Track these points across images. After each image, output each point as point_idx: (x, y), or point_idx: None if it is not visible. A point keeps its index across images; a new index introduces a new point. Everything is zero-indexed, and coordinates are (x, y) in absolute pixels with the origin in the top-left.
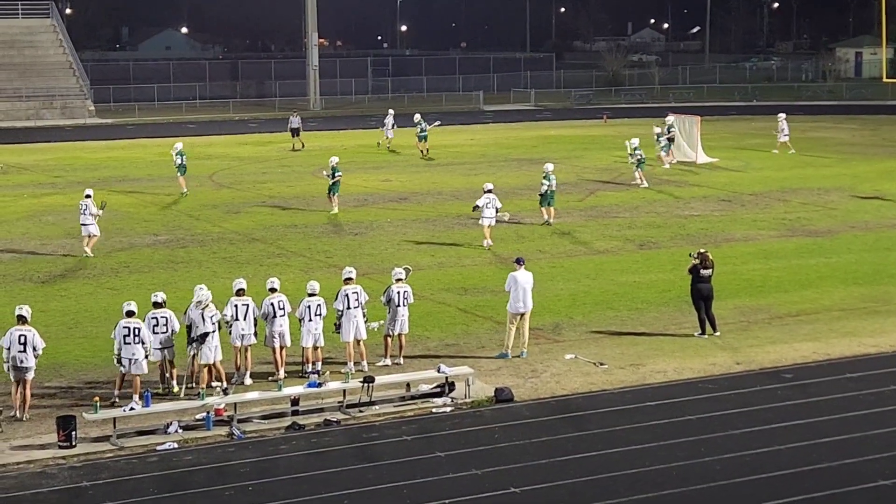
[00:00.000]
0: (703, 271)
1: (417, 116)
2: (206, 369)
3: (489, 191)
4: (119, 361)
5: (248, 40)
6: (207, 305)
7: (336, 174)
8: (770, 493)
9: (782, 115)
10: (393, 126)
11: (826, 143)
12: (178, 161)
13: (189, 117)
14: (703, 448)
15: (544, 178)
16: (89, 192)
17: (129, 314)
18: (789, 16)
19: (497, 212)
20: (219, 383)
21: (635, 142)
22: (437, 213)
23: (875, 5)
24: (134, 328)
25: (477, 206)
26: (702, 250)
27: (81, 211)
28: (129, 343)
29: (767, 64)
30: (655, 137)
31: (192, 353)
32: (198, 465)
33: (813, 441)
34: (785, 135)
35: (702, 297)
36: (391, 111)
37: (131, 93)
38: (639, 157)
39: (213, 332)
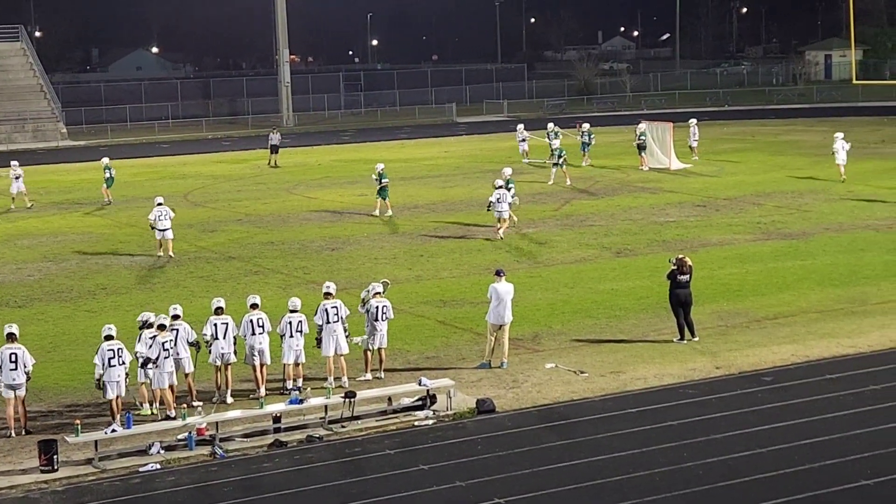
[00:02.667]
0: (680, 277)
1: None
2: (164, 392)
3: (500, 187)
4: (100, 386)
5: (219, 58)
6: (148, 326)
7: (383, 179)
8: (753, 496)
9: (693, 121)
10: None
11: (798, 146)
12: (108, 174)
13: (162, 137)
14: (686, 453)
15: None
16: (160, 199)
17: (109, 338)
18: (758, 20)
19: (511, 199)
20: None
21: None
22: (413, 226)
23: (843, 7)
24: (117, 349)
25: (491, 203)
26: (680, 256)
27: (161, 217)
28: (115, 366)
29: (738, 69)
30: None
31: (143, 379)
32: (181, 485)
33: (794, 443)
34: (695, 140)
35: (680, 302)
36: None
37: (103, 114)
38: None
39: (162, 357)
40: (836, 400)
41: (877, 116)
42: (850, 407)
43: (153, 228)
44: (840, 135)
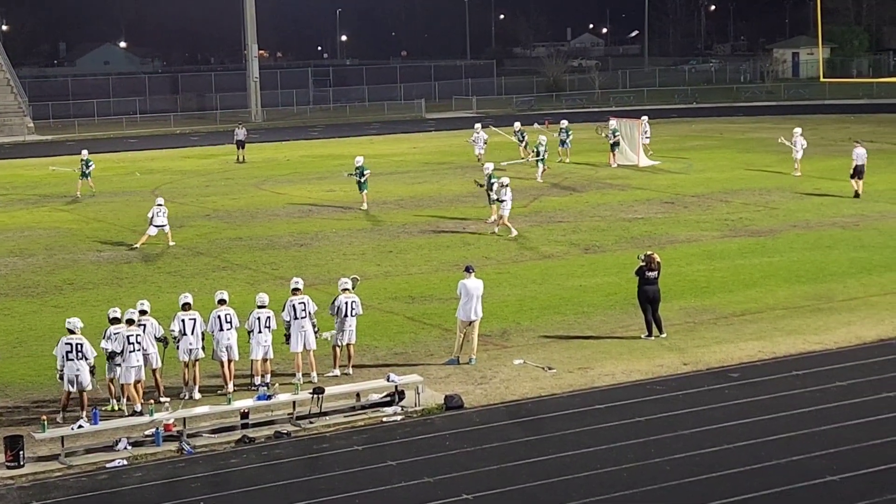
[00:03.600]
0: (648, 273)
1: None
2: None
3: (507, 185)
4: (62, 378)
5: (188, 53)
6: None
7: (365, 172)
8: (720, 491)
9: (645, 118)
10: None
11: (766, 143)
12: (87, 168)
13: (130, 132)
14: (653, 449)
15: (487, 177)
16: (160, 200)
17: (70, 332)
18: (726, 18)
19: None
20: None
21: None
22: (381, 222)
23: (811, 5)
24: (76, 344)
25: (503, 199)
26: (648, 252)
27: (158, 214)
28: (72, 360)
29: (706, 66)
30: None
31: (110, 375)
32: (148, 481)
33: (761, 439)
34: (646, 137)
35: (648, 298)
36: None
37: (70, 109)
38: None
39: (126, 352)
40: (802, 396)
41: (844, 114)
42: (817, 403)
43: (150, 224)
44: (798, 130)
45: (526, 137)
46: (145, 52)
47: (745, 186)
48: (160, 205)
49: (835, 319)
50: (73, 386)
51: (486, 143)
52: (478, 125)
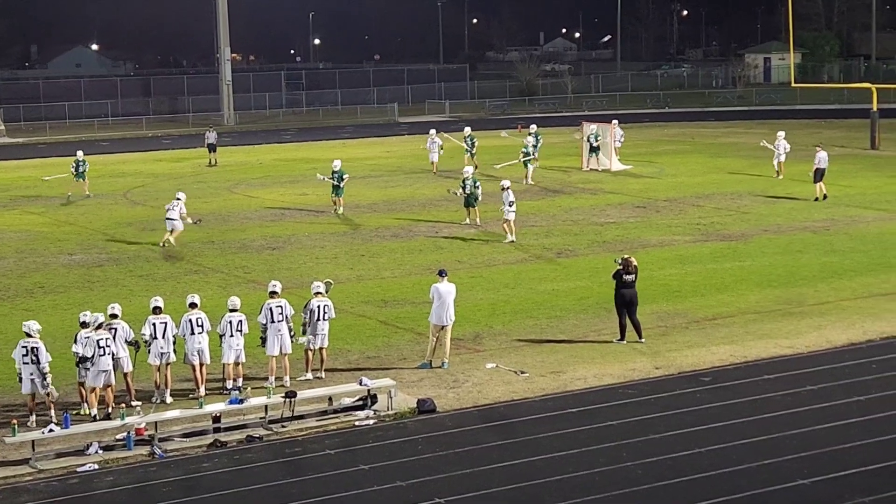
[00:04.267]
0: (625, 277)
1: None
2: (97, 392)
3: (507, 188)
4: (21, 381)
5: (160, 56)
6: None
7: (344, 176)
8: (692, 495)
9: (615, 121)
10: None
11: (738, 148)
12: (81, 168)
13: (101, 135)
14: (625, 453)
15: (463, 181)
16: (181, 195)
17: (28, 335)
18: (698, 23)
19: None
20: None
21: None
22: (354, 225)
23: (782, 11)
24: (32, 348)
25: (512, 202)
26: (625, 256)
27: (171, 208)
28: (27, 364)
29: (678, 71)
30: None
31: (80, 379)
32: (119, 485)
33: (732, 443)
34: (617, 141)
35: (625, 302)
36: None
37: (42, 111)
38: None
39: (97, 356)
40: (773, 400)
41: (815, 119)
42: (788, 407)
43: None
44: (782, 133)
45: (476, 144)
46: (117, 55)
47: (716, 191)
48: (178, 199)
49: (805, 323)
50: (33, 389)
51: (441, 148)
52: (432, 131)
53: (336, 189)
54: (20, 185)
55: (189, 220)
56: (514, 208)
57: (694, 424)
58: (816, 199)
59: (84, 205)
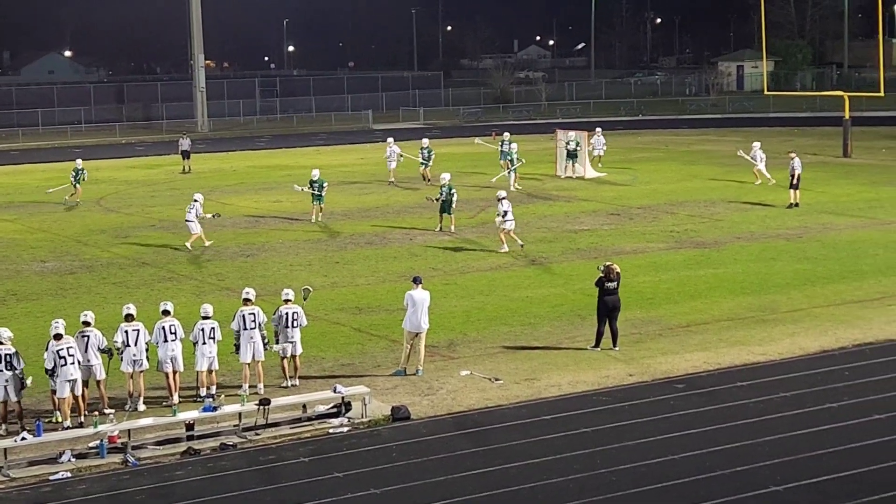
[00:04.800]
0: (608, 284)
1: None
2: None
3: (504, 198)
4: None
5: (133, 63)
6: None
7: (324, 185)
8: (666, 502)
9: (599, 129)
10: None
11: (711, 155)
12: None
13: (74, 142)
14: (599, 460)
15: (440, 188)
16: (198, 196)
17: None
18: (672, 31)
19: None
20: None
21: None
22: (328, 232)
23: (755, 19)
24: (5, 354)
25: (506, 212)
26: (607, 263)
27: (189, 209)
28: (1, 371)
29: (652, 79)
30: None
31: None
32: (92, 493)
33: (706, 449)
34: (597, 149)
35: (608, 309)
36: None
37: (14, 118)
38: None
39: (59, 366)
40: (746, 407)
41: (788, 127)
42: (760, 414)
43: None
44: (757, 144)
45: (432, 156)
46: (90, 62)
47: (690, 198)
48: (196, 200)
49: (779, 330)
50: (5, 397)
51: (401, 156)
52: (390, 139)
53: (317, 198)
54: None
55: (208, 217)
56: (508, 218)
57: (668, 431)
58: (791, 206)
59: (57, 211)
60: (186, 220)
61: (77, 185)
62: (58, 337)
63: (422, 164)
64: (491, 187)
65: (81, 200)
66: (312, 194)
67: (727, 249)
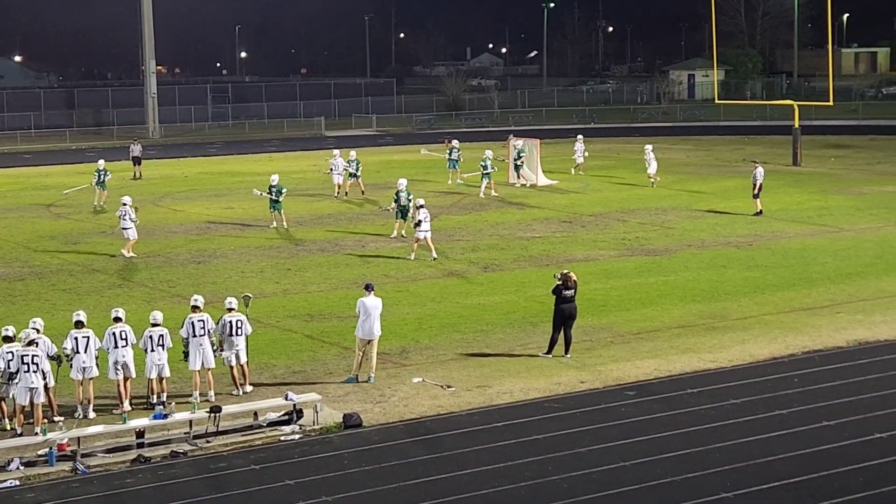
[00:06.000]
0: (565, 292)
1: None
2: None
3: (422, 206)
4: None
5: (84, 68)
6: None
7: (283, 190)
8: None
9: (580, 136)
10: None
11: (662, 163)
12: (102, 177)
13: (24, 147)
14: (551, 467)
15: (397, 193)
16: (126, 199)
17: None
18: (624, 39)
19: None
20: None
21: (489, 153)
22: (280, 239)
23: (706, 29)
24: None
25: (420, 222)
26: (564, 271)
27: (121, 215)
28: None
29: (604, 87)
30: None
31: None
32: (41, 501)
33: (657, 456)
34: (578, 155)
35: (564, 317)
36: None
37: None
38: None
39: (22, 372)
40: (697, 414)
41: (738, 135)
42: (711, 421)
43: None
44: (649, 147)
45: (360, 168)
46: (41, 67)
47: (641, 206)
48: (125, 204)
49: (729, 338)
50: None
51: (346, 169)
52: (336, 151)
53: (274, 204)
54: None
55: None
56: (422, 228)
57: (619, 438)
58: (757, 214)
59: (6, 217)
60: (122, 228)
61: (98, 187)
62: (30, 343)
63: (351, 175)
64: (449, 193)
65: (104, 204)
66: (270, 199)
67: (678, 257)
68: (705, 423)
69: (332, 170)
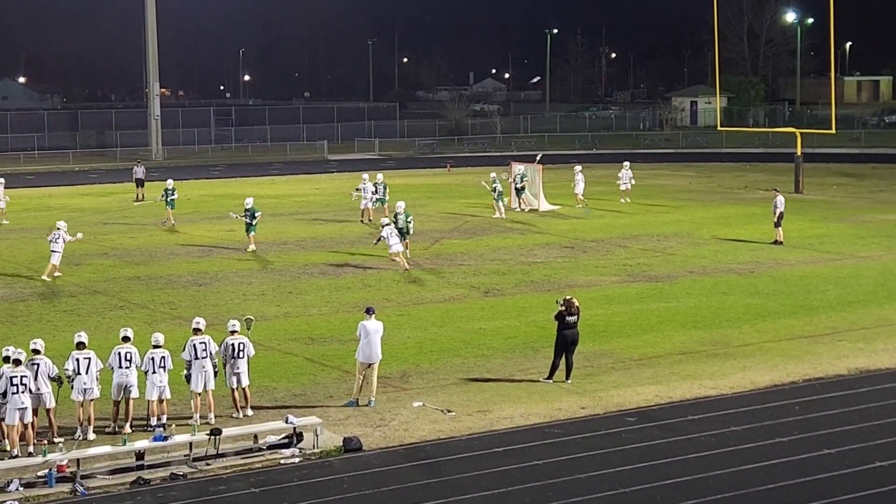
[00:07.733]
0: (568, 318)
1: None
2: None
3: (386, 225)
4: None
5: (88, 90)
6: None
7: (256, 214)
8: None
9: (627, 163)
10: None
11: (664, 190)
12: (170, 196)
13: (27, 168)
14: (551, 493)
15: (395, 215)
16: (61, 224)
17: None
18: (626, 66)
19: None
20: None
21: (493, 176)
22: (282, 262)
23: (709, 56)
24: None
25: (381, 237)
26: (567, 297)
27: (54, 238)
28: None
29: (606, 113)
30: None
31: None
32: None
33: (657, 483)
34: (624, 182)
35: (566, 343)
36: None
37: None
38: (499, 190)
39: (10, 394)
40: (697, 440)
41: (740, 162)
42: (711, 448)
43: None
44: (579, 167)
45: (387, 194)
46: (45, 88)
47: (643, 232)
48: (59, 228)
49: (730, 365)
50: None
51: (374, 193)
52: (365, 175)
53: (249, 227)
54: None
55: (76, 238)
56: (390, 243)
57: (619, 464)
58: (775, 243)
59: (8, 238)
60: (52, 250)
61: (171, 207)
62: (16, 363)
63: (378, 200)
64: (451, 216)
65: (175, 221)
66: (246, 223)
67: (679, 283)
68: (706, 450)
69: (358, 191)
